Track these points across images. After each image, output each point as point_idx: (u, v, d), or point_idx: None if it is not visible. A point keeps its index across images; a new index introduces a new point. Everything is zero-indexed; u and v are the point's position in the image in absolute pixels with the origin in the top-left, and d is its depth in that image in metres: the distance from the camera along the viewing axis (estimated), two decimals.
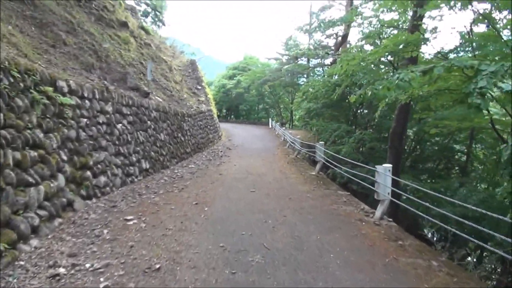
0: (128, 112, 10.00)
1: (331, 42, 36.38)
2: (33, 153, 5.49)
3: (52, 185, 5.77)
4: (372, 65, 15.66)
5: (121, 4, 20.06)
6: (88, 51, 11.25)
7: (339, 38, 33.55)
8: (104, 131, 8.37)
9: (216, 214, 6.49)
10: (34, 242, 4.80)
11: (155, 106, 12.25)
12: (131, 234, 5.27)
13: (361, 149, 18.91)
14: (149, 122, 11.36)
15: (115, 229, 5.49)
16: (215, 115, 27.73)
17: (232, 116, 54.53)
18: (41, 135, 5.83)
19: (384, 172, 6.42)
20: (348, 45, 31.68)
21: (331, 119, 24.62)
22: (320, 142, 11.91)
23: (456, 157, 20.96)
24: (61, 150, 6.46)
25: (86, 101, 7.77)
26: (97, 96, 8.30)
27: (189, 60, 30.88)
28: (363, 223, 6.28)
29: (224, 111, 54.67)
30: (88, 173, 7.20)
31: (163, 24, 31.14)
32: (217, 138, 23.89)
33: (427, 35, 12.76)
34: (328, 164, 11.62)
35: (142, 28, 22.45)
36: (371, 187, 8.38)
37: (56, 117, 6.55)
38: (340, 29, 34.46)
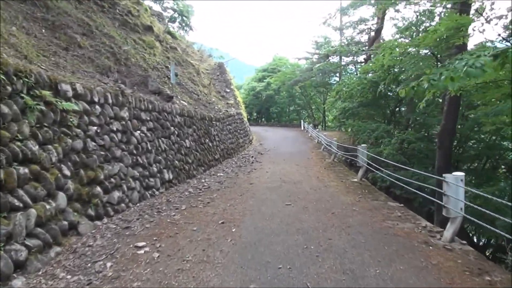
0: (148, 118, 9.06)
1: (363, 38, 34.74)
2: (23, 170, 4.54)
3: (48, 206, 4.81)
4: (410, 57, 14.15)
5: (147, 10, 19.47)
6: (105, 53, 10.45)
7: (372, 34, 31.89)
8: (119, 139, 7.43)
9: (246, 237, 5.34)
10: (18, 282, 3.82)
11: (179, 110, 11.29)
12: (139, 269, 4.20)
13: (402, 150, 17.29)
14: (172, 128, 10.40)
15: (121, 261, 4.45)
16: (245, 119, 26.74)
17: (263, 119, 53.48)
18: (36, 147, 4.89)
19: (455, 183, 5.07)
20: (381, 41, 30.02)
21: (368, 119, 23.09)
22: (363, 145, 10.58)
23: (504, 155, 18.84)
24: (63, 164, 5.52)
25: (97, 107, 6.85)
26: (110, 101, 7.38)
27: (217, 63, 30.09)
28: (430, 247, 4.96)
29: (255, 114, 53.70)
30: (98, 188, 6.25)
31: (190, 29, 30.43)
32: (247, 142, 22.85)
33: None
34: (372, 168, 10.30)
35: (169, 32, 21.80)
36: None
37: (58, 126, 5.62)
38: (372, 24, 32.84)
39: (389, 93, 21.55)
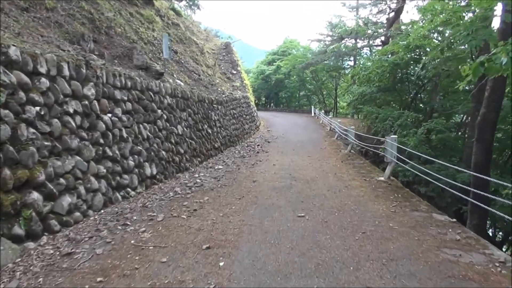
0: (125, 98, 7.19)
1: (381, 19, 32.31)
2: None
3: None
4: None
5: None
6: (81, 19, 8.57)
7: (391, 14, 29.48)
8: (77, 125, 5.57)
9: (239, 281, 3.48)
10: None
11: (170, 90, 9.41)
12: None
13: (428, 140, 15.28)
14: (159, 111, 8.53)
15: None
16: (252, 103, 24.79)
17: (272, 104, 51.36)
18: None
19: None
20: (400, 22, 27.76)
21: (385, 105, 21.04)
22: (392, 136, 8.62)
23: None
24: None
25: (43, 80, 4.97)
26: (66, 73, 5.50)
27: (223, 43, 27.99)
28: None
29: (263, 99, 51.60)
30: (35, 194, 4.41)
31: (198, 8, 28.50)
32: (254, 128, 20.95)
33: None
34: (401, 163, 8.40)
35: (173, 9, 19.84)
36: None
37: None
38: (392, 3, 30.41)
39: (411, 77, 19.47)
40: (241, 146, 15.23)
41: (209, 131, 12.03)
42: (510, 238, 15.17)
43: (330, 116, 24.77)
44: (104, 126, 6.22)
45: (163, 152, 8.27)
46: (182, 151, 9.34)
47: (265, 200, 6.47)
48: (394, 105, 21.48)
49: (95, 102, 6.15)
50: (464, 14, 9.77)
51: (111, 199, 6.04)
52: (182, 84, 11.54)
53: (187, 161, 9.58)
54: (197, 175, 8.83)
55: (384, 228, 5.08)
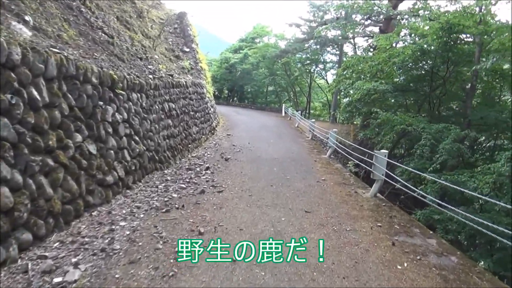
0: None
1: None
2: None
3: None
4: None
5: None
6: None
7: None
8: None
9: None
10: None
11: None
12: None
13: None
14: None
15: None
16: (210, 95, 18.06)
17: (235, 99, 44.48)
18: None
19: None
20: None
21: (387, 109, 14.88)
22: None
23: None
24: None
25: None
26: None
27: (176, 14, 20.95)
28: None
29: (226, 91, 44.73)
30: None
31: None
32: (208, 132, 14.22)
33: None
34: None
35: None
36: None
37: None
38: None
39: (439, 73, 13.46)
40: (176, 168, 8.54)
41: (90, 148, 5.24)
42: None
43: (312, 120, 18.32)
44: None
45: None
46: None
47: None
48: (410, 110, 15.43)
49: None
50: None
51: None
52: (28, 33, 4.72)
53: None
54: None
55: None
